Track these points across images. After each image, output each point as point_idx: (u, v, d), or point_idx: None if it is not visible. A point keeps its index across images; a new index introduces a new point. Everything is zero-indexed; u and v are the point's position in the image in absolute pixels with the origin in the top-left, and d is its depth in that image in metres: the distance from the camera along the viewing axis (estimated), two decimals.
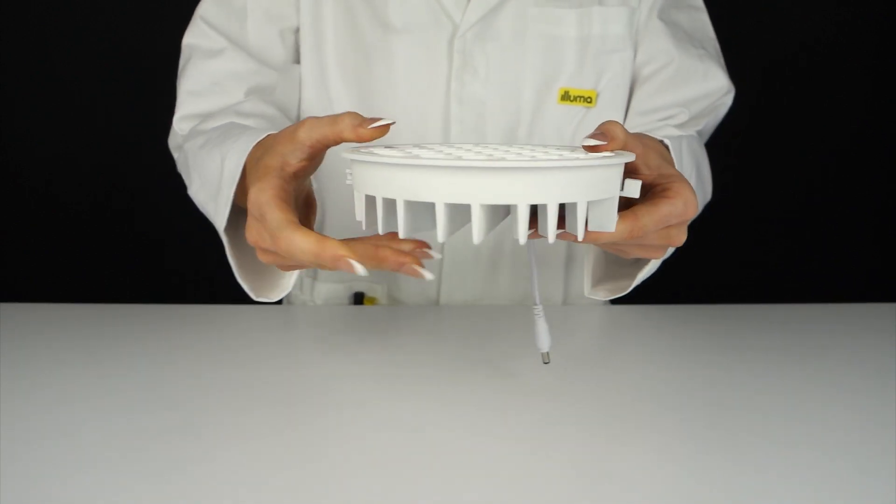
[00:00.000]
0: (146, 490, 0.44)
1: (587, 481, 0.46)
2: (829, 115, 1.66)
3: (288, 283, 0.59)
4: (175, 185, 1.23)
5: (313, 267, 0.48)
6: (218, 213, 0.58)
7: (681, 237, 0.50)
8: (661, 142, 0.59)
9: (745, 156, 1.58)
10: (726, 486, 0.46)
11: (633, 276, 0.60)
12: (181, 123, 0.76)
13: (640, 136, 0.50)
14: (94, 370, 0.60)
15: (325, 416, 0.53)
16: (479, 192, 0.39)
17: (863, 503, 0.44)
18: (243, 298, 0.77)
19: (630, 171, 0.49)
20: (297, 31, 0.79)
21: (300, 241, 0.42)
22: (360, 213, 0.46)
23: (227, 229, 0.58)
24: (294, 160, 0.47)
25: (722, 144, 0.89)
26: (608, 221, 0.45)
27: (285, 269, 0.51)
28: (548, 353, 0.55)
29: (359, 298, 0.86)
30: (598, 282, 0.64)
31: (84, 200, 1.65)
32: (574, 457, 0.49)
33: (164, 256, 1.68)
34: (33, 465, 0.46)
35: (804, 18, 1.61)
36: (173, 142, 0.79)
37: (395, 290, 0.85)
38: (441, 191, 0.39)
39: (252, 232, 0.47)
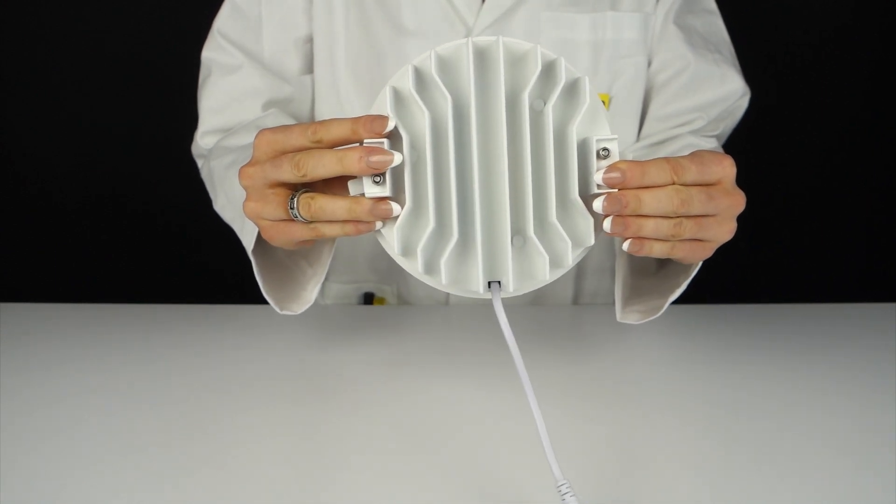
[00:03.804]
0: (147, 490, 0.44)
1: (593, 479, 0.46)
2: (829, 115, 1.66)
3: (310, 295, 0.59)
4: (177, 185, 1.23)
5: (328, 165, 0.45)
6: (245, 234, 0.59)
7: (739, 193, 0.49)
8: None
9: (744, 156, 1.58)
10: (727, 483, 0.46)
11: (663, 298, 0.57)
12: (204, 138, 0.79)
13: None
14: (94, 370, 0.60)
15: (333, 415, 0.53)
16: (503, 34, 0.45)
17: (863, 502, 0.44)
18: (249, 298, 0.77)
19: None
20: (311, 40, 0.80)
21: (335, 119, 0.45)
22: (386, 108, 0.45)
23: (256, 257, 0.59)
24: None
25: (724, 144, 0.89)
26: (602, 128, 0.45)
27: (276, 229, 0.50)
28: None
29: (368, 299, 0.86)
30: (627, 302, 0.60)
31: (84, 200, 1.65)
32: (580, 455, 0.49)
33: (166, 256, 1.68)
34: (33, 465, 0.46)
35: (799, 20, 1.61)
36: (196, 150, 0.81)
37: (404, 290, 0.85)
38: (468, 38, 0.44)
39: (248, 164, 0.48)
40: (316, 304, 0.90)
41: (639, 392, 0.59)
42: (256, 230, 0.56)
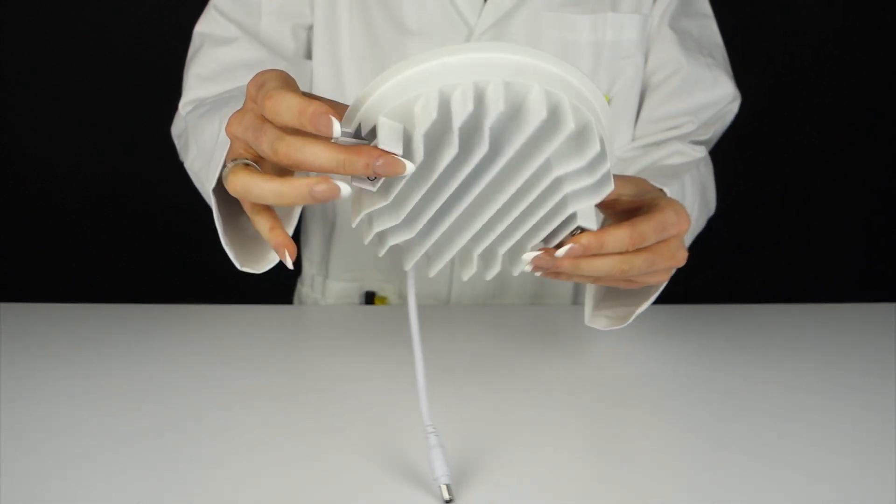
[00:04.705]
0: (147, 490, 0.44)
1: (593, 480, 0.46)
2: (827, 115, 1.66)
3: (275, 256, 0.54)
4: (177, 185, 1.23)
5: (281, 146, 0.39)
6: (209, 178, 0.53)
7: (682, 253, 0.50)
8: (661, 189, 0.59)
9: (744, 156, 1.58)
10: (726, 484, 0.46)
11: (633, 306, 0.58)
12: (187, 108, 0.75)
13: (625, 178, 0.51)
14: (94, 370, 0.60)
15: (333, 414, 0.53)
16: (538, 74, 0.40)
17: (863, 502, 0.44)
18: (249, 298, 0.77)
19: (608, 204, 0.50)
20: (310, 28, 0.79)
21: (290, 98, 0.39)
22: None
23: (218, 205, 0.53)
24: None
25: (722, 145, 0.90)
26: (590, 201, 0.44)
27: (246, 192, 0.43)
28: (448, 486, 0.43)
29: (369, 297, 0.86)
30: (598, 306, 0.61)
31: (84, 200, 1.65)
32: (580, 455, 0.49)
33: (166, 256, 1.68)
34: (33, 465, 0.46)
35: (798, 21, 1.61)
36: (177, 129, 0.75)
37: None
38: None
39: (238, 114, 0.43)
40: (316, 304, 0.90)
41: (638, 392, 0.59)
42: (219, 170, 0.51)
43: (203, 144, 0.58)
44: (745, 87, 0.84)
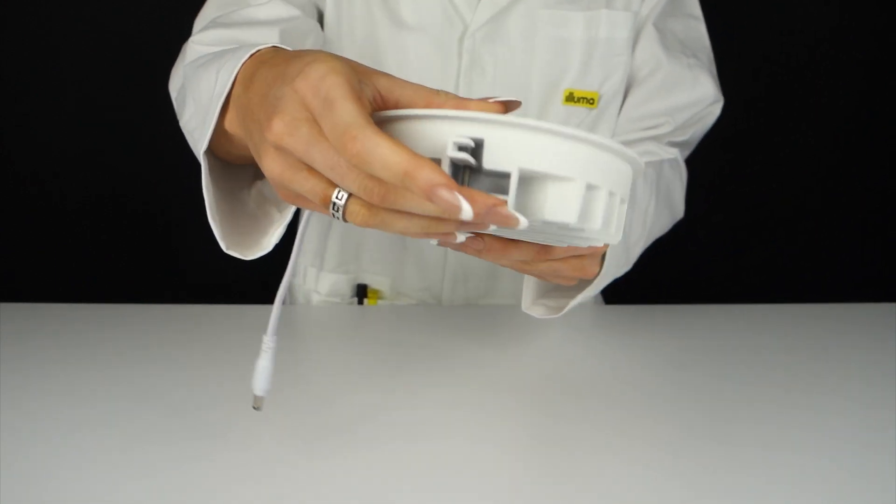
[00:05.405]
0: (145, 489, 0.44)
1: (587, 481, 0.46)
2: (824, 114, 1.66)
3: (270, 241, 0.49)
4: (177, 185, 1.23)
5: (374, 193, 0.34)
6: (203, 137, 0.47)
7: (593, 268, 0.52)
8: None
9: (743, 155, 1.58)
10: (725, 484, 0.46)
11: (570, 298, 0.59)
12: (193, 48, 0.62)
13: None
14: (94, 370, 0.60)
15: (325, 416, 0.54)
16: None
17: (862, 503, 0.44)
18: (249, 298, 0.77)
19: None
20: (322, 15, 0.79)
21: (387, 150, 0.32)
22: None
23: (210, 170, 0.49)
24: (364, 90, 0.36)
25: (720, 144, 0.90)
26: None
27: (300, 202, 0.39)
28: (262, 398, 0.48)
29: (362, 290, 0.86)
30: (539, 297, 0.61)
31: (84, 200, 1.65)
32: (574, 456, 0.49)
33: (167, 256, 1.68)
34: (33, 465, 0.46)
35: (794, 20, 1.61)
36: (174, 83, 0.64)
37: (399, 283, 0.85)
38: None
39: (285, 120, 0.35)
40: (311, 304, 0.90)
41: (634, 392, 0.59)
42: (211, 129, 0.46)
43: (199, 99, 0.49)
44: (741, 86, 0.84)
